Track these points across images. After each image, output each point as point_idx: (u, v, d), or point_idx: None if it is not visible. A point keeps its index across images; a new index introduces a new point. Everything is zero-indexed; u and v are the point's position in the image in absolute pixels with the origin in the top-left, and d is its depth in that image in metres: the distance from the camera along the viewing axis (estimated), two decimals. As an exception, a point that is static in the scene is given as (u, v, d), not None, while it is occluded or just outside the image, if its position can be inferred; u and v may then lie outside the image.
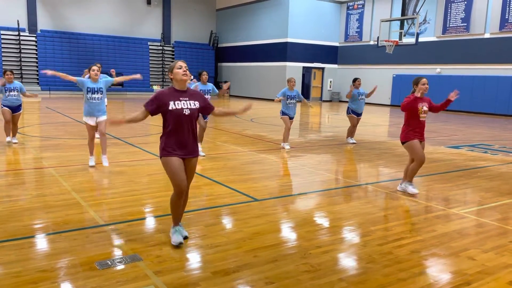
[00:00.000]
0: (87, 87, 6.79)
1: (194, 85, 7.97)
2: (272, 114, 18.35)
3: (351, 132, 10.67)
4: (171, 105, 3.76)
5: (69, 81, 7.01)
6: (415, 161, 5.92)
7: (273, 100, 27.74)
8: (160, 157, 3.90)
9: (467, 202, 5.86)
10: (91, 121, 6.96)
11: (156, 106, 3.80)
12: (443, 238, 4.38)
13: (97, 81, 6.88)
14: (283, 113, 9.40)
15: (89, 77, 6.91)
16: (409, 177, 6.00)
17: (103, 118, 7.02)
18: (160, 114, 3.86)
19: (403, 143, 5.99)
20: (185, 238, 4.04)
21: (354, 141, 10.61)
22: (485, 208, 5.54)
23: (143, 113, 3.86)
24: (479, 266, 3.70)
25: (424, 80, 5.79)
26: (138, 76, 7.35)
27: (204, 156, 8.15)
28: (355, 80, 10.47)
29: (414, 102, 5.76)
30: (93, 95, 6.83)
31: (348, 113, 10.54)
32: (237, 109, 4.24)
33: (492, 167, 8.15)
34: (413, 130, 5.87)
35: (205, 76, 8.18)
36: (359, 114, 10.53)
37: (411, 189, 5.95)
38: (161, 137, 3.92)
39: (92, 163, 7.06)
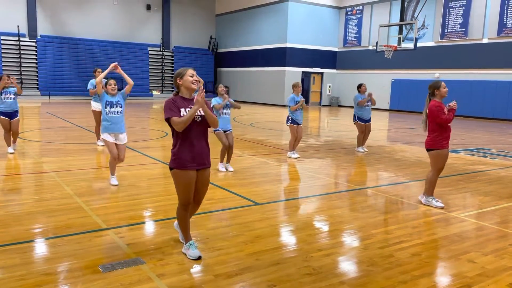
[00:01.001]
0: (106, 101, 6.26)
1: (215, 102, 7.35)
2: (271, 119, 18.42)
3: (360, 140, 10.16)
4: (183, 113, 3.62)
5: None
6: (433, 171, 5.68)
7: (273, 105, 27.73)
8: (171, 169, 3.73)
9: (467, 206, 5.90)
10: (111, 138, 6.31)
11: (175, 110, 3.61)
12: (443, 241, 4.41)
13: (115, 95, 6.39)
14: (291, 120, 8.82)
15: (106, 93, 6.38)
16: (429, 191, 5.72)
17: (124, 140, 6.44)
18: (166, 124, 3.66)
19: (430, 150, 5.64)
20: (199, 258, 3.76)
21: (365, 150, 10.10)
22: (484, 211, 5.57)
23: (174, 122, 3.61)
24: (479, 269, 3.73)
25: (443, 83, 5.68)
26: (130, 82, 6.58)
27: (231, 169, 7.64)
28: (360, 86, 10.01)
29: (442, 108, 5.51)
30: (112, 109, 6.26)
31: (354, 120, 10.16)
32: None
33: (491, 171, 8.19)
34: (442, 136, 5.58)
35: (221, 88, 7.51)
36: (366, 121, 10.06)
37: (435, 203, 5.62)
38: (172, 149, 3.73)
39: (114, 182, 6.36)
